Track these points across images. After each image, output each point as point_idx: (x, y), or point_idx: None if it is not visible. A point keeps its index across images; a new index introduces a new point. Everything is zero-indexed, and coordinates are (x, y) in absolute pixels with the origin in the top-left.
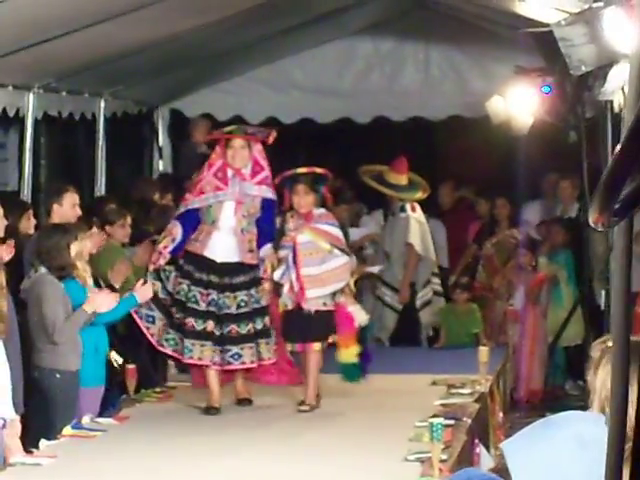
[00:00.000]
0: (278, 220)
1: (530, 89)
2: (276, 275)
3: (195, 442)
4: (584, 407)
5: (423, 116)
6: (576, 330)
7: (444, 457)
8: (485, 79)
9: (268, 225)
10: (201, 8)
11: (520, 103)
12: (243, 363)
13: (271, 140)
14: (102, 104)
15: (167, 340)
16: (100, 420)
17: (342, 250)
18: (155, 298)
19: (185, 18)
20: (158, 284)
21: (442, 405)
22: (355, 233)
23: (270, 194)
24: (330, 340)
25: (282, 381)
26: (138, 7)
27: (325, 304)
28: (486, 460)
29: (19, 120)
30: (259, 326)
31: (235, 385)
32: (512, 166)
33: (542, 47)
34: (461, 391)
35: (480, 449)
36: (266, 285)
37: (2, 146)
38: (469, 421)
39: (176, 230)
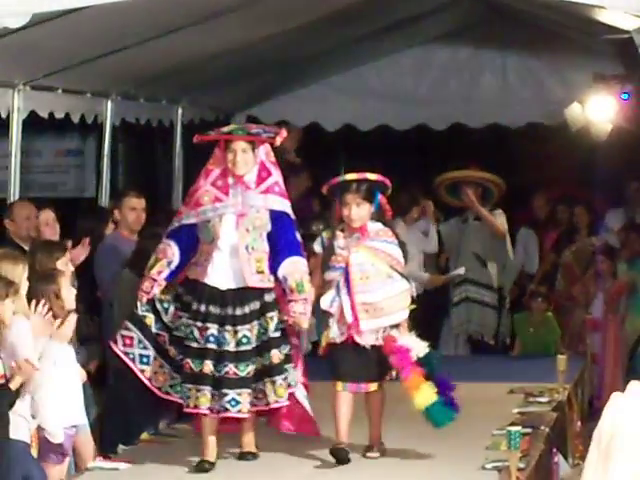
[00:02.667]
0: (326, 235)
1: (609, 96)
2: (324, 302)
3: None
4: None
5: (500, 123)
6: None
7: (522, 466)
8: (563, 86)
9: (286, 239)
10: (278, 16)
11: (599, 110)
12: (240, 411)
13: (279, 141)
14: (179, 111)
15: (172, 387)
16: (177, 426)
17: (402, 275)
18: (148, 333)
19: (262, 25)
20: (152, 317)
21: (520, 413)
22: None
23: (279, 205)
24: (388, 378)
25: (302, 429)
26: (215, 15)
27: (377, 339)
28: (564, 469)
29: (97, 127)
30: (267, 362)
31: (240, 435)
32: (591, 173)
33: (621, 54)
34: (539, 399)
35: (558, 458)
36: (296, 307)
37: (80, 153)
38: (547, 430)
39: (171, 251)
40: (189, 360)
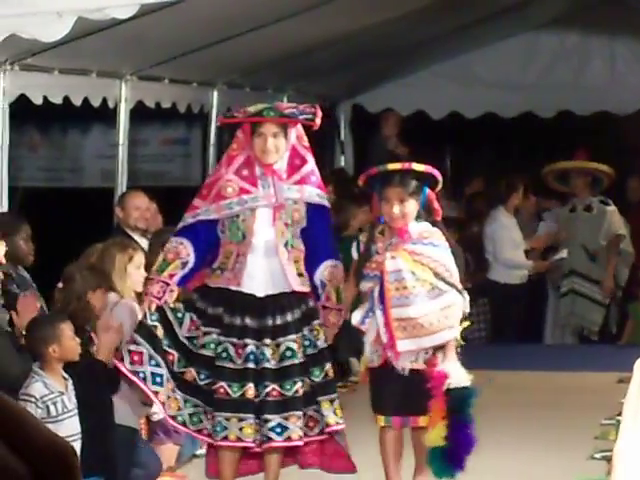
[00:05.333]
0: (363, 238)
1: None
2: (355, 318)
3: None
4: None
5: (609, 110)
6: None
7: None
8: None
9: (325, 238)
10: (384, 3)
11: None
12: (289, 439)
13: (317, 122)
14: (285, 99)
15: (190, 417)
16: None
17: (451, 284)
18: (159, 347)
19: (368, 13)
20: (161, 328)
21: None
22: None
23: (317, 197)
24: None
25: (333, 466)
26: (322, 3)
27: (417, 362)
28: None
29: (203, 116)
30: (318, 378)
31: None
32: None
33: None
34: None
35: None
36: (330, 316)
37: (186, 142)
38: None
39: (185, 251)
40: (224, 384)
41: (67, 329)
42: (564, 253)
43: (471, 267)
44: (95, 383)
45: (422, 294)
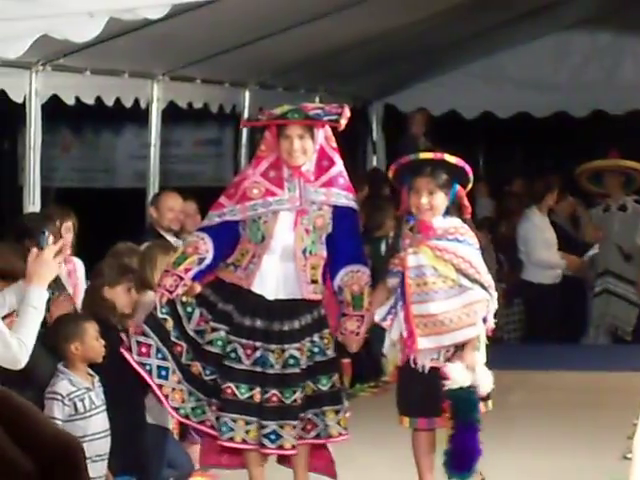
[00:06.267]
0: (390, 232)
1: None
2: (379, 314)
3: None
4: None
5: None
6: None
7: None
8: None
9: (348, 242)
10: (417, 4)
11: None
12: (281, 447)
13: (344, 123)
14: (317, 100)
15: (194, 410)
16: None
17: (475, 281)
18: (167, 340)
19: (400, 13)
20: (171, 322)
21: None
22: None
23: (344, 199)
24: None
25: (315, 466)
26: (354, 3)
27: (439, 360)
28: None
29: (235, 116)
30: (325, 387)
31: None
32: None
33: None
34: None
35: None
36: (348, 324)
37: (218, 142)
38: None
39: (205, 247)
40: (232, 385)
41: (91, 329)
42: (595, 249)
43: (505, 267)
44: (124, 382)
45: (443, 290)
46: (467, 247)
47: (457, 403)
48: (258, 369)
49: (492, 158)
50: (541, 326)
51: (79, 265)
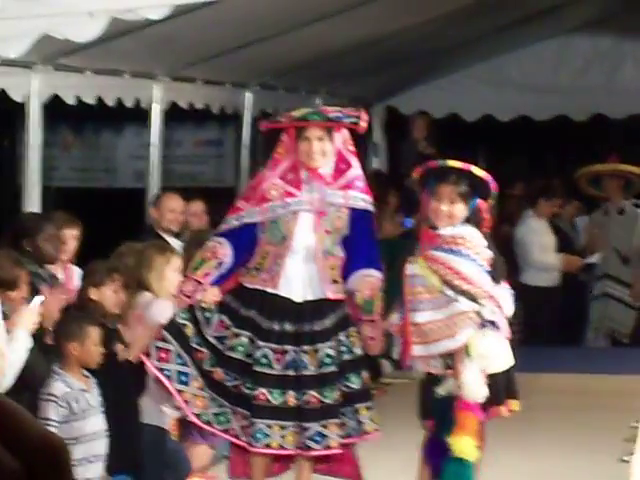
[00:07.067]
0: (389, 235)
1: None
2: (390, 320)
3: None
4: None
5: None
6: None
7: None
8: None
9: (363, 245)
10: (418, 6)
11: None
12: (328, 447)
13: (363, 126)
14: (318, 101)
15: (217, 416)
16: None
17: (463, 292)
18: (187, 346)
19: (402, 16)
20: (191, 327)
21: None
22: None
23: (362, 202)
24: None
25: (342, 472)
26: (356, 5)
27: (436, 368)
28: None
29: (237, 117)
30: (356, 385)
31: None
32: None
33: None
34: None
35: None
36: (363, 328)
37: (219, 143)
38: None
39: (223, 251)
40: (264, 390)
41: (94, 333)
42: (595, 258)
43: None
44: (120, 383)
45: (428, 301)
46: (459, 258)
47: (438, 415)
48: (291, 373)
49: (492, 161)
50: (539, 329)
51: (76, 273)
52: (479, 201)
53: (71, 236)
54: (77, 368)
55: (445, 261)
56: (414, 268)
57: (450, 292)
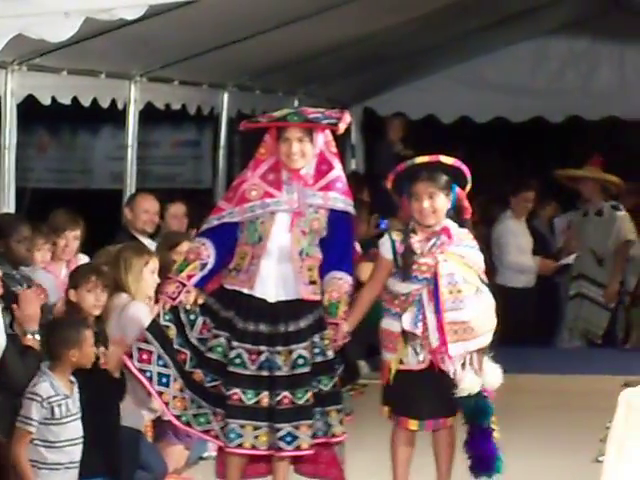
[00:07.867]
0: (398, 238)
1: None
2: (406, 322)
3: None
4: None
5: (618, 116)
6: None
7: None
8: None
9: (338, 248)
10: (395, 8)
11: None
12: (298, 448)
13: (343, 128)
14: (296, 102)
15: (196, 417)
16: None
17: (487, 285)
18: (169, 348)
19: (379, 18)
20: (174, 329)
21: None
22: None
23: (341, 203)
24: None
25: (327, 474)
26: (333, 7)
27: (464, 364)
28: None
29: (214, 118)
30: (327, 387)
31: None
32: None
33: None
34: None
35: None
36: (330, 332)
37: (196, 144)
38: None
39: (206, 252)
40: (238, 390)
41: (89, 336)
42: (571, 259)
43: None
44: (100, 389)
45: (470, 297)
46: (478, 253)
47: (468, 410)
48: (264, 373)
49: (469, 162)
50: (515, 329)
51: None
52: (458, 190)
53: (73, 236)
54: (68, 373)
55: (473, 257)
56: (450, 267)
57: (484, 287)
